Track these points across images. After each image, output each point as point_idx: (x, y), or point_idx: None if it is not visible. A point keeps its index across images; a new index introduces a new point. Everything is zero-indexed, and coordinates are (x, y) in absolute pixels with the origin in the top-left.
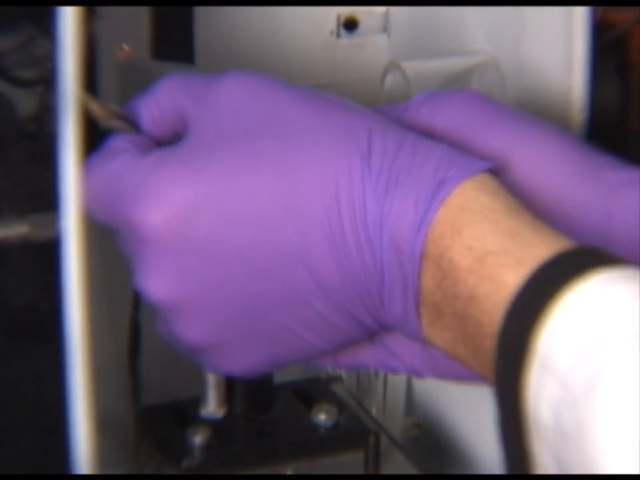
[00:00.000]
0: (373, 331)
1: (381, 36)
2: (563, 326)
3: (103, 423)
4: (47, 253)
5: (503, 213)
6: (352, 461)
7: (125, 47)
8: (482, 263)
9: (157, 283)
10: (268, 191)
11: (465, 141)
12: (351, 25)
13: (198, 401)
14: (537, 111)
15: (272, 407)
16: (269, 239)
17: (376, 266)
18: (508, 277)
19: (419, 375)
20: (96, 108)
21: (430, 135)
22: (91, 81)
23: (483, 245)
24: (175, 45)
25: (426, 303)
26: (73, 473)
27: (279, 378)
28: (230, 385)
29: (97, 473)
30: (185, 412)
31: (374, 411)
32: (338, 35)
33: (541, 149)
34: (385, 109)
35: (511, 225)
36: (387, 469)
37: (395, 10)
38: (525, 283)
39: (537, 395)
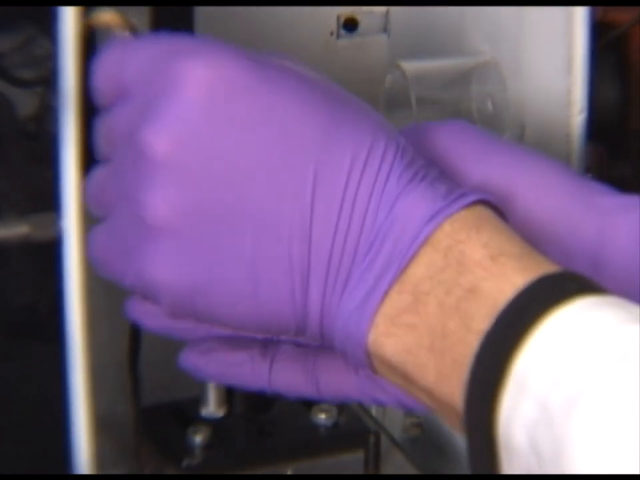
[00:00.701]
0: (299, 317)
1: (381, 36)
2: (541, 349)
3: (103, 423)
4: (47, 253)
5: (508, 233)
6: (352, 461)
7: None
8: (494, 260)
9: (162, 203)
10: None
11: (455, 171)
12: (350, 26)
13: (198, 400)
14: (537, 111)
15: (272, 406)
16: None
17: (368, 239)
18: (518, 278)
19: (406, 407)
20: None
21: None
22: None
23: (499, 245)
24: None
25: (399, 295)
26: (73, 473)
27: None
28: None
29: (97, 472)
30: (185, 412)
31: (374, 411)
32: (338, 36)
33: (537, 176)
34: None
35: (518, 243)
36: (387, 469)
37: (394, 10)
38: (509, 303)
39: (510, 416)
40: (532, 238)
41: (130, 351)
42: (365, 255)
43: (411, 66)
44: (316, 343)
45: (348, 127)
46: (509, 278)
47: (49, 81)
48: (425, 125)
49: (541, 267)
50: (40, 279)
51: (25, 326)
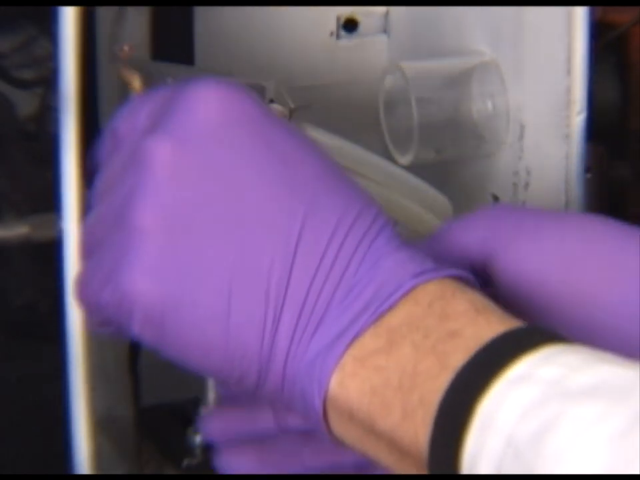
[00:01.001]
0: (265, 354)
1: (381, 36)
2: (508, 389)
3: (103, 423)
4: (47, 254)
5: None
6: None
7: (125, 47)
8: (479, 312)
9: (151, 206)
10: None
11: (492, 256)
12: (350, 26)
13: (198, 400)
14: (537, 111)
15: None
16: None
17: (348, 285)
18: (500, 327)
19: (362, 470)
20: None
21: (465, 256)
22: (91, 81)
23: (485, 303)
24: (175, 45)
25: (372, 338)
26: (73, 473)
27: None
28: None
29: (97, 473)
30: (185, 412)
31: None
32: (338, 36)
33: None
34: (427, 243)
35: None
36: None
37: (394, 10)
38: (484, 346)
39: (475, 452)
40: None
41: (130, 351)
42: (342, 300)
43: (410, 66)
44: (273, 396)
45: (347, 182)
46: (491, 326)
47: (49, 82)
48: (466, 216)
49: (521, 323)
50: (40, 279)
51: (25, 326)
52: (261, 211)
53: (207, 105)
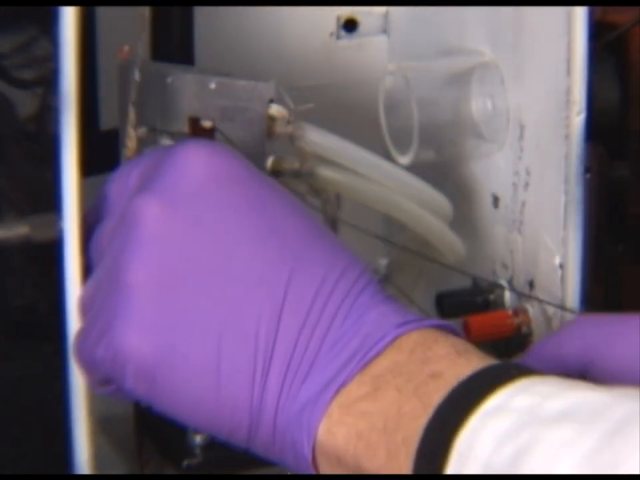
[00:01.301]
0: (255, 405)
1: (381, 37)
2: (484, 420)
3: (103, 423)
4: (47, 254)
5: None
6: None
7: (125, 47)
8: (460, 354)
9: (141, 263)
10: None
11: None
12: (350, 26)
13: None
14: (537, 111)
15: None
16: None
17: (335, 336)
18: (480, 364)
19: None
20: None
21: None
22: (91, 81)
23: (466, 346)
24: (175, 45)
25: (357, 386)
26: (73, 473)
27: None
28: None
29: (97, 473)
30: None
31: None
32: (338, 36)
33: None
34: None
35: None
36: None
37: (394, 11)
38: (462, 382)
39: None
40: None
41: None
42: (328, 351)
43: (410, 66)
44: (264, 447)
45: (331, 239)
46: (471, 365)
47: (49, 82)
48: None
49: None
50: (40, 280)
51: (25, 326)
52: (248, 267)
53: (194, 165)
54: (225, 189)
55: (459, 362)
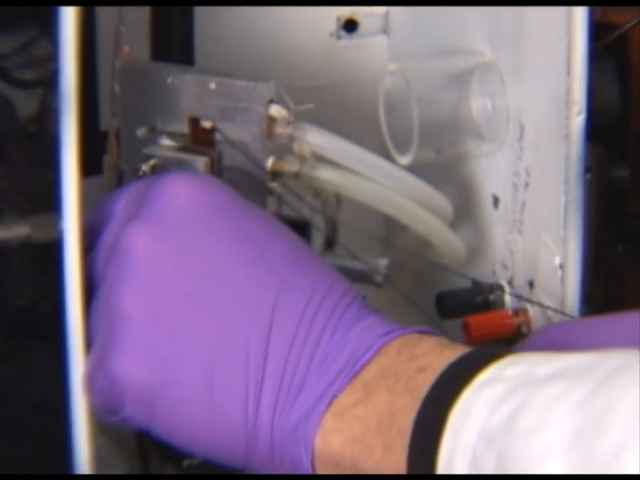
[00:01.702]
0: (251, 425)
1: (381, 37)
2: (476, 392)
3: (103, 423)
4: (47, 254)
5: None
6: None
7: (125, 47)
8: (445, 347)
9: (133, 293)
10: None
11: None
12: (350, 26)
13: None
14: (537, 111)
15: None
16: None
17: (324, 352)
18: (464, 351)
19: None
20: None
21: None
22: (91, 81)
23: (451, 343)
24: (175, 45)
25: (349, 395)
26: (73, 473)
27: None
28: None
29: (97, 473)
30: None
31: None
32: (338, 37)
33: None
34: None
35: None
36: None
37: (394, 11)
38: (450, 365)
39: (449, 454)
40: None
41: None
42: (318, 367)
43: (410, 66)
44: (263, 465)
45: (316, 261)
46: (458, 353)
47: (50, 82)
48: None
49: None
50: (40, 280)
51: (25, 326)
52: (236, 291)
53: (181, 195)
54: (210, 216)
55: (445, 353)
